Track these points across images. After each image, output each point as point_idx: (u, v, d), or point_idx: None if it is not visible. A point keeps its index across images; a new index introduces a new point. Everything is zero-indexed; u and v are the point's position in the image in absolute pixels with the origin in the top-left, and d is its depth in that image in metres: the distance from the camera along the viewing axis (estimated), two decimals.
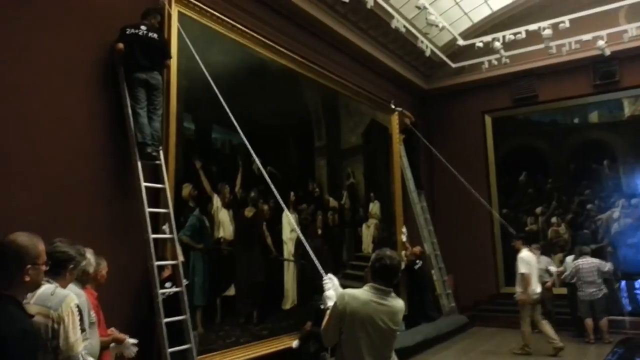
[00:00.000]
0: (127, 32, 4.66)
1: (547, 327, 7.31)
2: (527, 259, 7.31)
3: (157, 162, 4.76)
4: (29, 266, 1.98)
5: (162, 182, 4.76)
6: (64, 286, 2.52)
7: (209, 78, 4.98)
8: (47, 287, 2.36)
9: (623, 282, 8.79)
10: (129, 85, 4.63)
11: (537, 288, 7.25)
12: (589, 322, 7.88)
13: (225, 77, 5.84)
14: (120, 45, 4.60)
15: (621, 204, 9.53)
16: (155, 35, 4.79)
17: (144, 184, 4.53)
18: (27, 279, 1.99)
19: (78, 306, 2.39)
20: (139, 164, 4.56)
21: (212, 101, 5.08)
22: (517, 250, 7.49)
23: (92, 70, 4.59)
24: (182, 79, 5.31)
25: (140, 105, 4.59)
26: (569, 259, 8.44)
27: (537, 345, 7.40)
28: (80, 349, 2.32)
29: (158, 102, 4.75)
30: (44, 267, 2.09)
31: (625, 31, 8.66)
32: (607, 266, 7.91)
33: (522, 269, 7.22)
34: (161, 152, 4.81)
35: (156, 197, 4.82)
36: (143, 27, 4.75)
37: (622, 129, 9.68)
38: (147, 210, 4.48)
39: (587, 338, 7.90)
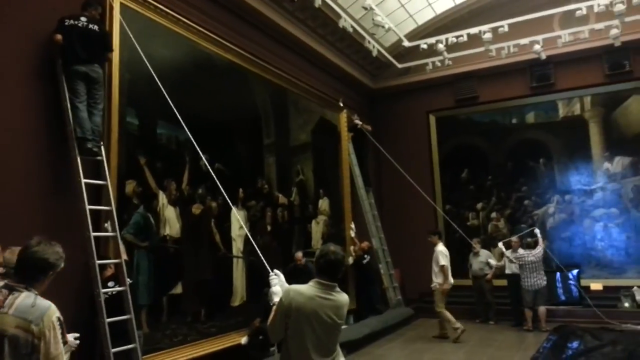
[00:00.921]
0: (66, 24, 4.49)
1: (448, 314, 7.91)
2: (445, 252, 8.00)
3: (99, 157, 4.62)
4: None
5: (104, 179, 4.62)
6: (42, 293, 2.31)
7: (152, 71, 4.89)
8: (26, 297, 2.18)
9: (558, 274, 9.32)
10: (67, 78, 4.46)
11: (452, 279, 7.95)
12: (527, 311, 8.36)
13: (170, 71, 5.74)
14: (59, 37, 4.43)
15: (556, 200, 10.09)
16: (95, 27, 4.64)
17: (84, 181, 4.38)
18: None
19: (59, 318, 2.23)
20: (79, 159, 4.41)
21: (156, 96, 4.99)
22: (434, 245, 8.13)
23: (28, 62, 4.40)
24: (125, 72, 5.17)
25: (79, 99, 4.44)
26: (508, 252, 8.87)
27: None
28: None
29: (99, 96, 4.60)
30: None
31: (560, 37, 9.15)
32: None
33: (442, 261, 7.87)
34: (102, 148, 4.67)
35: (98, 194, 4.68)
36: (83, 19, 4.59)
37: (556, 129, 10.25)
38: (88, 207, 4.34)
39: (526, 326, 8.35)
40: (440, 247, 8.08)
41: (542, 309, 8.34)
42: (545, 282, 8.37)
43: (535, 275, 8.29)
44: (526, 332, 8.26)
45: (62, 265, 2.33)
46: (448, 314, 7.89)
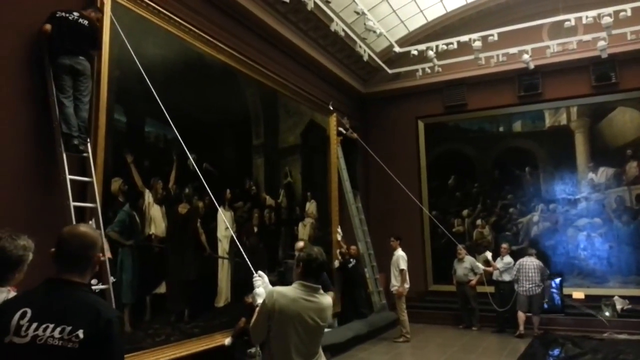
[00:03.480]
0: (57, 15, 4.48)
1: (406, 320, 8.34)
2: (405, 257, 8.37)
3: (84, 154, 4.57)
4: None
5: (90, 176, 4.58)
6: (14, 289, 2.26)
7: (141, 69, 4.86)
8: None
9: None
10: (54, 72, 4.42)
11: (408, 282, 8.41)
12: (521, 315, 8.45)
13: (160, 69, 5.72)
14: (47, 26, 4.41)
15: (540, 209, 10.20)
16: (85, 22, 4.61)
17: (69, 177, 4.34)
18: None
19: None
20: (64, 155, 4.37)
21: (145, 94, 4.97)
22: (394, 249, 8.51)
23: (15, 57, 4.35)
24: (114, 69, 5.13)
25: (65, 94, 4.39)
26: (500, 261, 9.09)
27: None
28: None
29: (85, 88, 4.55)
30: None
31: (548, 47, 9.29)
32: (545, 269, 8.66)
33: (402, 265, 8.27)
34: (89, 144, 4.63)
35: (83, 191, 4.63)
36: (75, 13, 4.58)
37: (543, 138, 10.37)
38: (72, 204, 4.29)
39: (518, 331, 8.42)
40: (401, 252, 8.48)
41: (536, 318, 8.50)
42: (539, 289, 8.51)
43: (530, 282, 8.44)
44: (516, 338, 8.29)
45: (31, 256, 2.28)
46: (406, 321, 8.32)
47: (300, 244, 7.22)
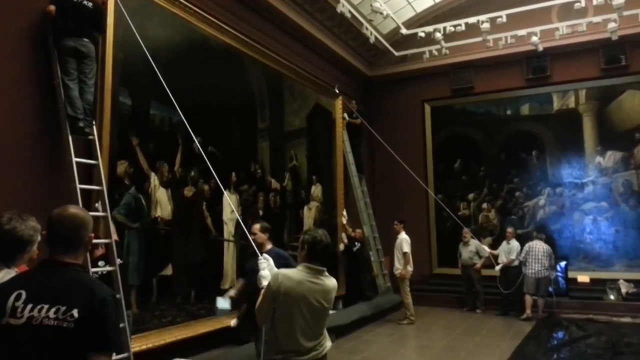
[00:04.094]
0: None
1: (411, 303, 8.30)
2: (409, 240, 8.37)
3: (90, 137, 4.58)
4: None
5: (95, 158, 4.59)
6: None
7: (146, 51, 4.83)
8: (6, 274, 2.14)
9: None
10: (58, 54, 4.41)
11: (412, 265, 8.42)
12: (528, 297, 8.49)
13: (165, 52, 5.69)
14: (51, 7, 4.40)
15: (547, 193, 10.16)
16: (89, 4, 4.58)
17: (75, 160, 4.35)
18: None
19: None
20: (70, 138, 4.38)
21: (150, 76, 4.94)
22: (398, 232, 8.53)
23: (19, 39, 4.34)
24: (119, 51, 5.11)
25: (70, 77, 4.39)
26: (505, 245, 9.12)
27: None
28: None
29: (90, 71, 4.54)
30: None
31: (557, 29, 9.14)
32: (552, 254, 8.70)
33: (405, 248, 8.28)
34: (95, 127, 4.63)
35: (89, 174, 4.65)
36: None
37: (550, 121, 10.27)
38: (79, 187, 4.31)
39: (525, 314, 8.45)
40: (404, 235, 8.49)
41: (541, 300, 8.56)
42: (547, 273, 8.55)
43: (540, 265, 8.46)
44: (520, 321, 8.33)
45: (39, 238, 2.30)
46: (411, 304, 8.38)
47: (257, 226, 6.96)
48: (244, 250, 6.70)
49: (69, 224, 1.87)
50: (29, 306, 1.71)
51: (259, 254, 3.31)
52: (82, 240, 1.89)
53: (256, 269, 3.29)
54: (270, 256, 3.50)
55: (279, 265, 3.45)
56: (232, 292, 4.97)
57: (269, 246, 4.56)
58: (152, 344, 5.10)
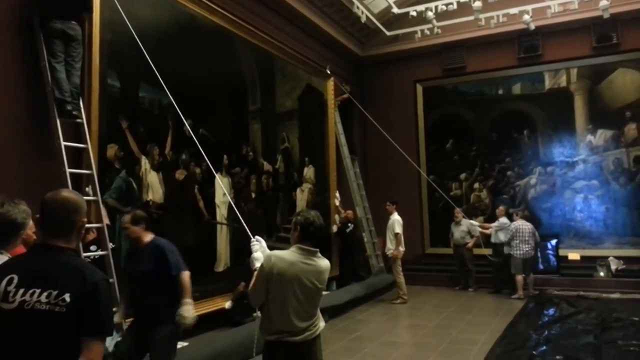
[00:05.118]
0: None
1: (403, 283, 8.48)
2: (400, 221, 8.43)
3: (78, 120, 4.52)
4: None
5: (85, 142, 4.54)
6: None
7: (133, 32, 4.75)
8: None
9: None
10: (45, 37, 4.32)
11: (403, 246, 8.50)
12: (519, 278, 8.57)
13: (153, 33, 5.59)
14: None
15: (538, 172, 10.21)
16: None
17: (63, 143, 4.30)
18: None
19: None
20: (58, 121, 4.32)
21: (139, 58, 4.87)
22: (390, 213, 8.59)
23: (4, 20, 4.23)
24: (106, 32, 5.01)
25: (57, 59, 4.31)
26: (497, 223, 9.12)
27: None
28: None
29: (77, 54, 4.47)
30: None
31: (549, 7, 9.08)
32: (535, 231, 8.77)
33: (397, 229, 8.35)
34: (82, 110, 4.57)
35: (78, 158, 4.60)
36: None
37: (542, 101, 10.27)
38: (68, 171, 4.28)
39: (517, 294, 8.53)
40: (397, 216, 8.54)
41: (531, 277, 8.70)
42: (533, 253, 8.68)
43: (527, 246, 8.53)
44: (511, 299, 8.42)
45: (30, 222, 2.29)
46: (403, 283, 8.46)
47: (126, 218, 5.35)
48: (237, 233, 6.70)
49: (61, 208, 1.85)
50: (21, 290, 1.70)
51: (251, 236, 3.29)
52: (74, 225, 1.87)
53: None
54: (150, 249, 3.59)
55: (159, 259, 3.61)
56: (116, 318, 3.91)
57: (148, 237, 3.78)
58: None
